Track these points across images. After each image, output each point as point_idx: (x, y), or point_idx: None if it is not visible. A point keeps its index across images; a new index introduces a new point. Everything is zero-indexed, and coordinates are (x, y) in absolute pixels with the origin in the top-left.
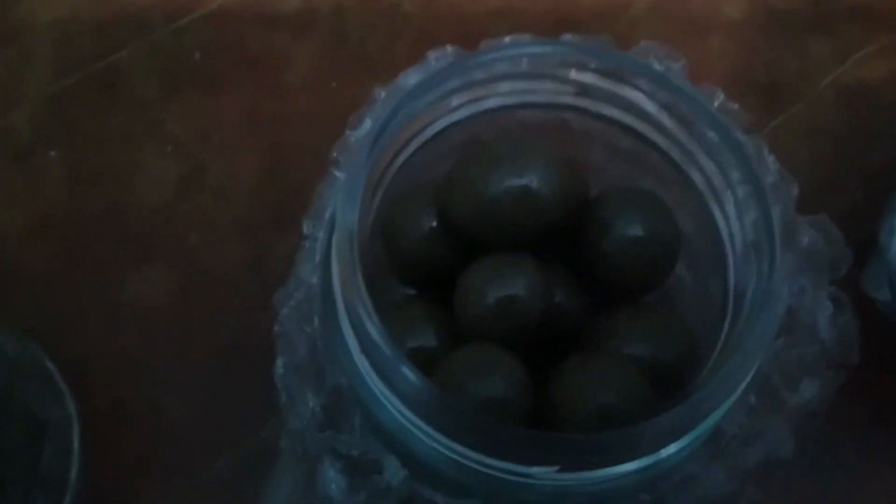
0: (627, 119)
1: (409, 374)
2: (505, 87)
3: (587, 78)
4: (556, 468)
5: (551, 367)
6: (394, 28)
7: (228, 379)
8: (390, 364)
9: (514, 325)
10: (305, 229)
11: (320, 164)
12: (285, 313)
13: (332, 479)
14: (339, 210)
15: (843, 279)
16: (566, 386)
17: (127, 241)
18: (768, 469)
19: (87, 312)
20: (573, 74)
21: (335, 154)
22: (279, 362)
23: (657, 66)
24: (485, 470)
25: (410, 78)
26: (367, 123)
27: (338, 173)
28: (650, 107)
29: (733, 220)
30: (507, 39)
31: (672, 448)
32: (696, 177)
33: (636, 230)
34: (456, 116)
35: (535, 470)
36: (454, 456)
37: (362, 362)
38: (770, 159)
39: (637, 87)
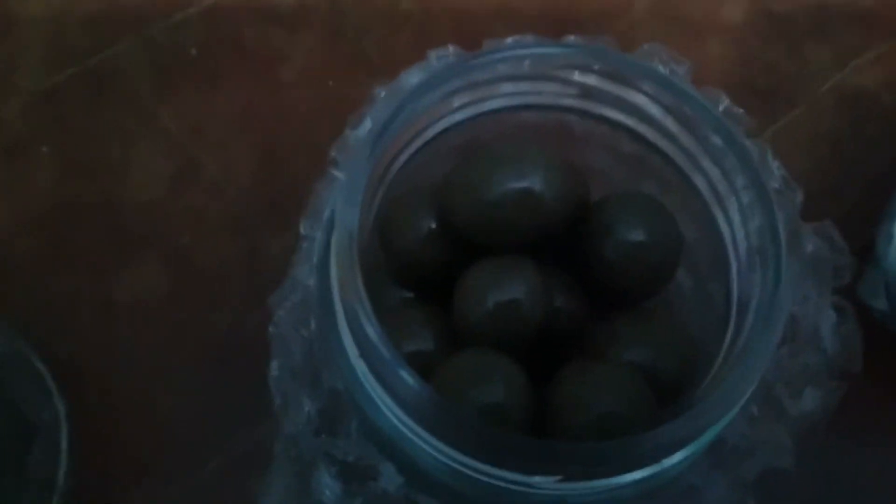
0: (630, 122)
1: (407, 378)
2: (507, 88)
3: (590, 80)
4: (558, 478)
5: (551, 374)
6: (391, 25)
7: (222, 378)
8: (388, 367)
9: (514, 330)
10: (303, 230)
11: (316, 161)
12: (281, 315)
13: (327, 484)
14: (339, 211)
15: (839, 287)
16: (567, 393)
17: (119, 237)
18: (768, 479)
19: (79, 310)
20: (576, 76)
21: (334, 154)
22: (274, 365)
23: (661, 69)
24: (484, 478)
25: (412, 77)
26: (368, 123)
27: (337, 173)
28: (654, 110)
29: (737, 227)
30: (509, 40)
31: (674, 458)
32: (700, 182)
33: (637, 235)
34: (457, 117)
35: (536, 479)
36: (452, 463)
37: (360, 366)
38: (774, 165)
39: (641, 90)
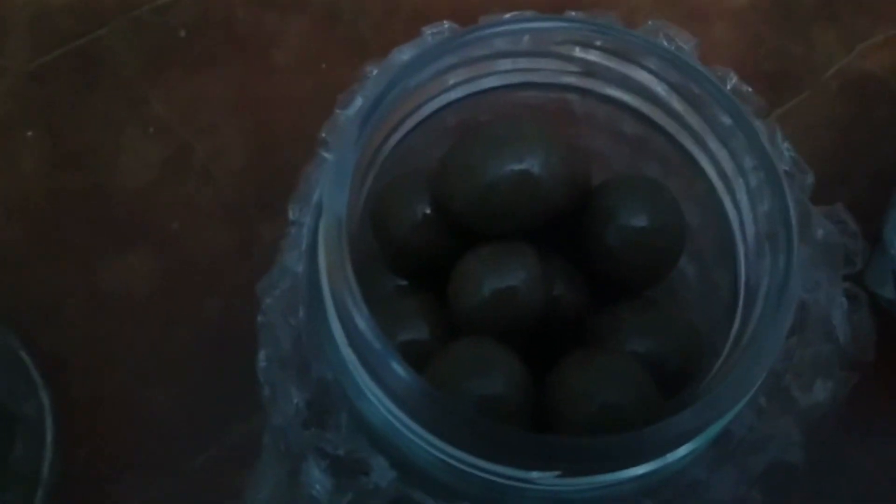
0: (634, 101)
1: (398, 369)
2: (504, 65)
3: (593, 56)
4: (558, 473)
5: (551, 364)
6: (387, 8)
7: (211, 370)
8: (379, 358)
9: (512, 319)
10: (291, 214)
11: (309, 146)
12: (269, 303)
13: (317, 479)
14: (327, 194)
15: (845, 275)
16: (567, 383)
17: (107, 225)
18: (774, 472)
19: (65, 300)
20: (578, 52)
21: (324, 134)
22: (262, 355)
23: (667, 46)
24: (480, 474)
25: (404, 54)
26: (358, 102)
27: (326, 154)
28: (659, 88)
29: (745, 210)
30: (507, 15)
31: (680, 452)
32: (706, 163)
33: (640, 220)
34: (452, 96)
35: (534, 475)
36: (447, 458)
37: (350, 356)
38: (784, 146)
39: (645, 68)
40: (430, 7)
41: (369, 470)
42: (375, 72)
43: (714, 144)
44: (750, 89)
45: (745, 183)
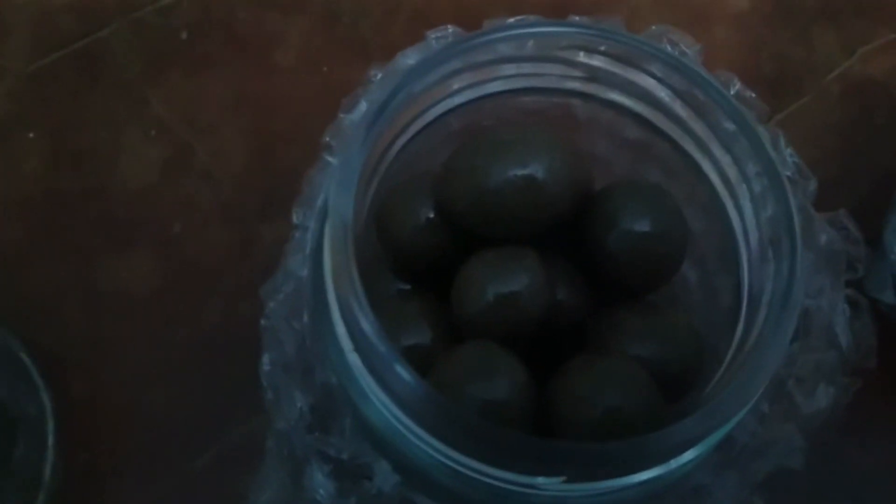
0: (637, 107)
1: (403, 372)
2: (509, 69)
3: (597, 61)
4: (563, 479)
5: (553, 368)
6: (389, 9)
7: (213, 372)
8: (384, 362)
9: (515, 323)
10: (295, 218)
11: (310, 148)
12: (273, 307)
13: (320, 483)
14: (333, 198)
15: (848, 280)
16: (570, 388)
17: (108, 226)
18: (776, 478)
19: (65, 301)
20: (582, 57)
21: (328, 138)
22: (265, 359)
23: (671, 51)
24: (483, 479)
25: (409, 58)
26: (363, 106)
27: (331, 159)
28: (663, 93)
29: (748, 216)
30: (511, 20)
31: (684, 458)
32: (709, 169)
33: (642, 225)
34: (456, 100)
35: (539, 480)
36: (450, 463)
37: (354, 360)
38: (787, 152)
39: (649, 73)
40: (431, 7)
41: (373, 474)
42: (379, 76)
43: (717, 150)
44: (753, 94)
45: (749, 189)
